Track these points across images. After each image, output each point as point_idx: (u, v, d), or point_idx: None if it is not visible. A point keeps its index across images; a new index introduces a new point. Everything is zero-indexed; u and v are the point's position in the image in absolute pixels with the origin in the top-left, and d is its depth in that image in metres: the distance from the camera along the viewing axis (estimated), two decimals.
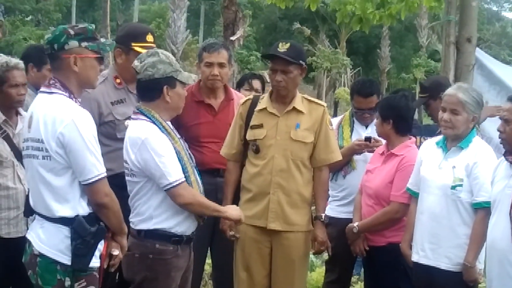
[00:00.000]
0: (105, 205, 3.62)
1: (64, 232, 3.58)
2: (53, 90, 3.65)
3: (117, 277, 4.96)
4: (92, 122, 3.65)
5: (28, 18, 42.07)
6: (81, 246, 3.56)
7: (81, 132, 3.53)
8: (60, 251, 3.58)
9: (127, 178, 4.09)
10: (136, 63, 4.10)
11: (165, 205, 4.02)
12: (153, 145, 3.94)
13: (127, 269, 4.11)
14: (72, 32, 3.67)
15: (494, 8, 72.76)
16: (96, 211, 3.64)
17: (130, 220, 4.11)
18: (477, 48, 7.34)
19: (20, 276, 4.10)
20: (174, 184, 3.94)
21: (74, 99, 3.66)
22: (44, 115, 3.57)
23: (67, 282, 3.58)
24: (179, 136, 4.20)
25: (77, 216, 3.57)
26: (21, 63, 4.80)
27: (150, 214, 4.01)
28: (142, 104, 4.14)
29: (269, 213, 4.70)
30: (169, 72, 4.05)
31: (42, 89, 3.73)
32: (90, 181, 3.56)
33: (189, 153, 4.23)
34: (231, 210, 4.34)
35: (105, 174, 3.63)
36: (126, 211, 4.08)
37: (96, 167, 3.56)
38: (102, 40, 3.83)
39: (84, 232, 3.56)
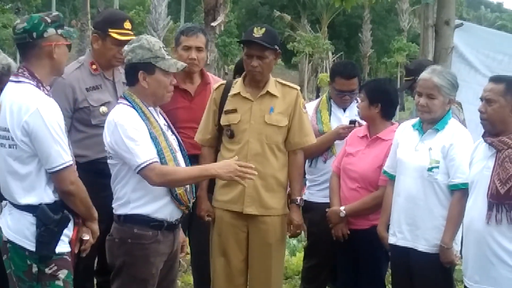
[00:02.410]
0: (71, 193, 3.68)
1: (29, 219, 3.64)
2: (21, 79, 3.68)
3: (95, 264, 4.96)
4: (58, 111, 3.68)
5: (8, 6, 41.71)
6: (45, 233, 3.62)
7: (45, 120, 3.57)
8: (26, 238, 3.65)
9: (108, 161, 4.08)
10: (124, 48, 4.11)
11: (142, 189, 3.98)
12: (125, 128, 3.91)
13: (108, 254, 4.12)
14: (49, 20, 3.70)
15: None
16: (63, 198, 3.69)
17: (112, 205, 4.10)
18: (457, 30, 7.32)
19: None
20: (143, 166, 3.87)
21: (41, 88, 3.67)
22: (10, 104, 3.62)
23: (34, 268, 3.63)
24: (165, 123, 4.19)
25: (40, 204, 3.62)
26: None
27: (128, 198, 3.99)
28: (127, 89, 4.15)
29: (245, 198, 4.69)
30: (147, 58, 4.00)
31: (11, 78, 3.77)
32: (56, 169, 3.61)
33: (178, 141, 4.22)
34: (219, 168, 4.09)
35: (71, 163, 3.68)
36: (102, 197, 4.09)
37: (61, 156, 3.61)
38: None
39: (47, 220, 3.62)
